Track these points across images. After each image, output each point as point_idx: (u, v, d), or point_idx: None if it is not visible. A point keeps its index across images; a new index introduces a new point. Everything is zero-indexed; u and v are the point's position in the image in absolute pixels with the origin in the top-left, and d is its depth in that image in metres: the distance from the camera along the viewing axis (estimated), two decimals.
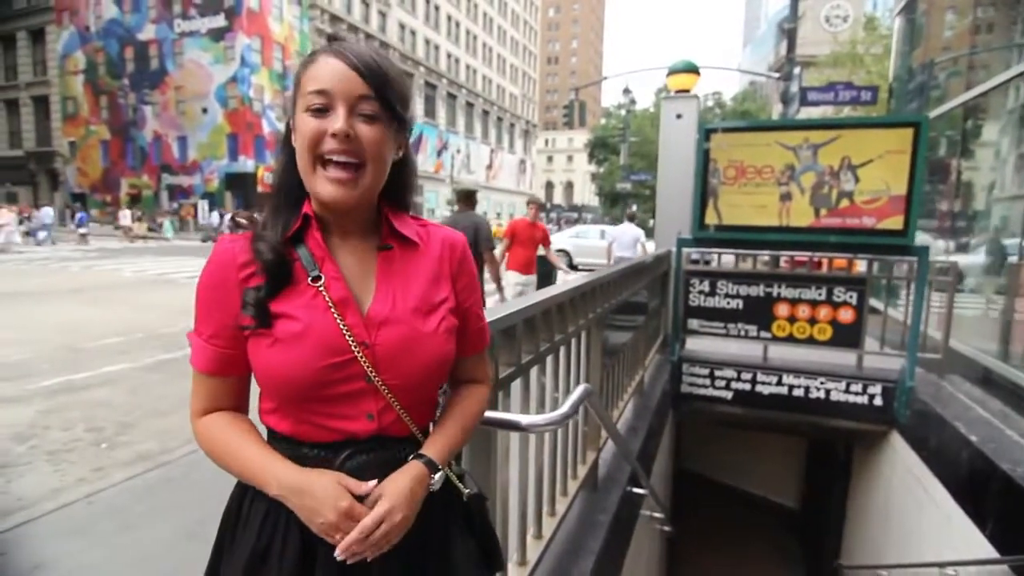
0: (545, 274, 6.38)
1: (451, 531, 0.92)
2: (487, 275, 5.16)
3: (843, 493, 5.53)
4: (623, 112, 31.15)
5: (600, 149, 45.97)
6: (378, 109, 0.81)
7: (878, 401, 4.27)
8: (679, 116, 5.94)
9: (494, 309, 1.45)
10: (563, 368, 2.03)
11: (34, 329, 7.13)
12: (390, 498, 0.79)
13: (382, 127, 0.82)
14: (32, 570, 2.43)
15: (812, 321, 4.35)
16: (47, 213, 21.35)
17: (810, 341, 4.38)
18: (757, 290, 4.52)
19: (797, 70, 11.64)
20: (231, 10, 27.68)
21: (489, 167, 52.30)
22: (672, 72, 6.72)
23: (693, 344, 5.01)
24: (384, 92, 0.81)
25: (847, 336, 4.26)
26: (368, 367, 0.81)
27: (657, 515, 3.61)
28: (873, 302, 4.71)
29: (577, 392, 1.57)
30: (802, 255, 4.59)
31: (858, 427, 4.45)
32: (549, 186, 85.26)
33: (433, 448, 0.88)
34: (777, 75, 13.42)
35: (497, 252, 5.42)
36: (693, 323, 4.76)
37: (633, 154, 32.38)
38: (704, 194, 4.61)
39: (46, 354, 5.96)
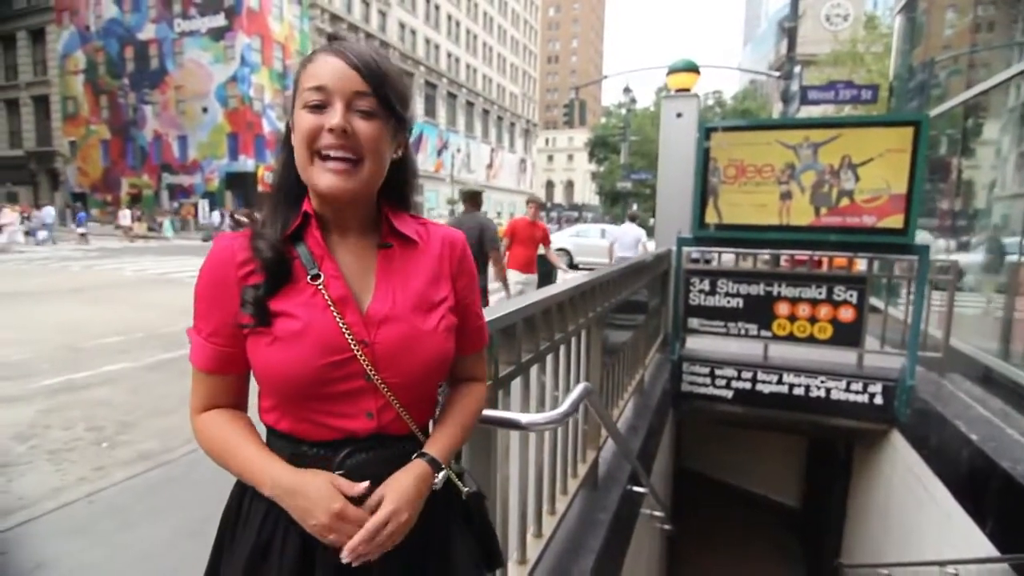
0: (545, 273, 6.38)
1: (451, 529, 0.93)
2: (491, 275, 5.17)
3: (843, 492, 5.53)
4: (623, 111, 31.10)
5: (600, 148, 45.92)
6: (375, 106, 0.81)
7: (878, 400, 4.27)
8: (679, 115, 5.93)
9: (494, 308, 1.45)
10: (563, 367, 2.03)
11: (35, 329, 7.13)
12: (395, 498, 0.79)
13: (380, 124, 0.82)
14: (33, 569, 2.43)
15: (812, 320, 4.35)
16: (48, 213, 21.38)
17: (810, 340, 4.38)
18: (757, 289, 4.52)
19: (797, 69, 11.61)
20: (231, 9, 27.67)
21: (489, 166, 52.29)
22: (672, 71, 6.71)
23: (693, 343, 5.02)
24: (382, 89, 0.82)
25: (847, 335, 4.26)
26: (367, 365, 0.82)
27: (657, 514, 3.61)
28: (873, 301, 4.71)
29: (577, 391, 1.57)
30: (802, 254, 4.59)
31: (858, 426, 4.45)
32: (549, 185, 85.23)
33: (435, 447, 0.88)
34: (777, 74, 13.40)
35: None
36: (693, 322, 4.76)
37: (633, 153, 32.35)
38: (704, 193, 4.61)
39: (47, 354, 5.97)
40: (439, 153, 42.92)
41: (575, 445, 2.26)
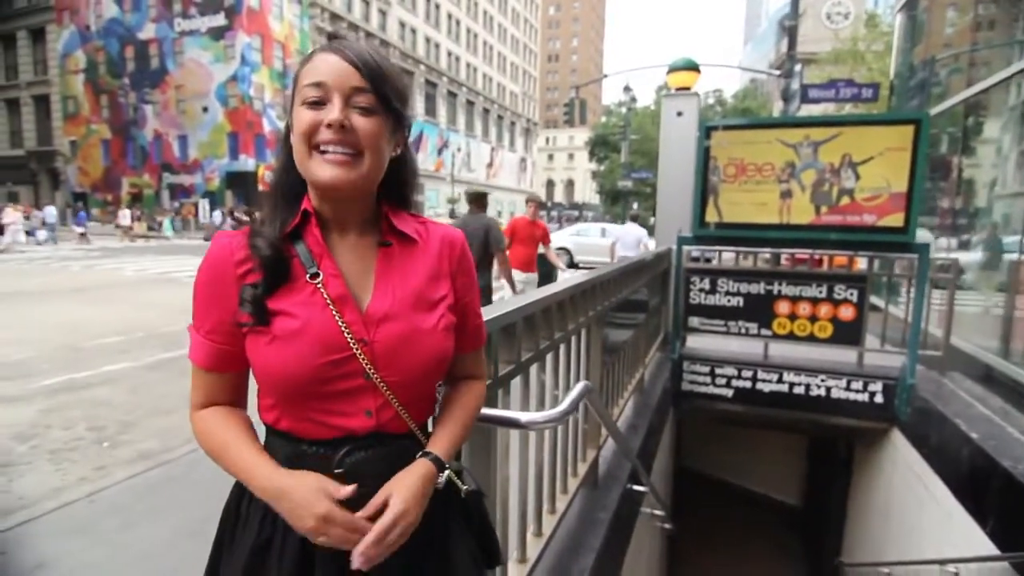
0: (546, 273, 6.38)
1: (450, 527, 0.93)
2: (495, 275, 5.17)
3: (844, 490, 5.53)
4: (624, 110, 31.06)
5: (601, 147, 45.90)
6: (374, 102, 0.81)
7: (879, 398, 4.27)
8: (680, 114, 5.93)
9: (494, 307, 1.45)
10: (563, 366, 2.03)
11: (35, 328, 7.14)
12: (402, 498, 0.80)
13: (378, 120, 0.82)
14: (34, 569, 2.43)
15: (813, 319, 4.35)
16: (50, 212, 21.41)
17: (811, 339, 4.38)
18: (758, 288, 4.52)
19: (798, 67, 11.60)
20: (231, 9, 27.67)
21: (490, 165, 52.27)
22: (672, 70, 6.70)
23: (694, 342, 5.02)
24: (380, 86, 0.81)
25: (848, 334, 4.26)
26: (366, 364, 0.82)
27: (658, 513, 3.61)
28: (874, 299, 4.71)
29: (576, 389, 1.57)
30: (803, 252, 4.59)
31: (859, 424, 4.45)
32: (550, 184, 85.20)
33: (438, 446, 0.89)
34: (778, 72, 13.39)
35: None
36: (694, 321, 4.76)
37: (634, 152, 32.34)
38: (704, 192, 4.61)
39: (47, 353, 5.97)
40: (439, 152, 42.91)
41: (575, 444, 2.26)
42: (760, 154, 4.40)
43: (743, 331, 4.59)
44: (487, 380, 1.33)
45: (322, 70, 0.80)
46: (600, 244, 15.44)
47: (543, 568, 1.86)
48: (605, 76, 52.56)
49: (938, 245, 6.05)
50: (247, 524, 0.85)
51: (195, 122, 29.14)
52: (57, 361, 5.70)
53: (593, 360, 2.46)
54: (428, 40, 42.68)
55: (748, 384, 4.64)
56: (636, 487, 2.81)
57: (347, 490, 0.78)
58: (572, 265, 15.62)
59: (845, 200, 4.19)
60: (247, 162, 27.98)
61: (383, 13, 37.61)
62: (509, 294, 5.61)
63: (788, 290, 4.42)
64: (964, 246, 5.72)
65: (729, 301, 4.62)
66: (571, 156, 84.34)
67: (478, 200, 5.22)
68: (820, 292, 4.31)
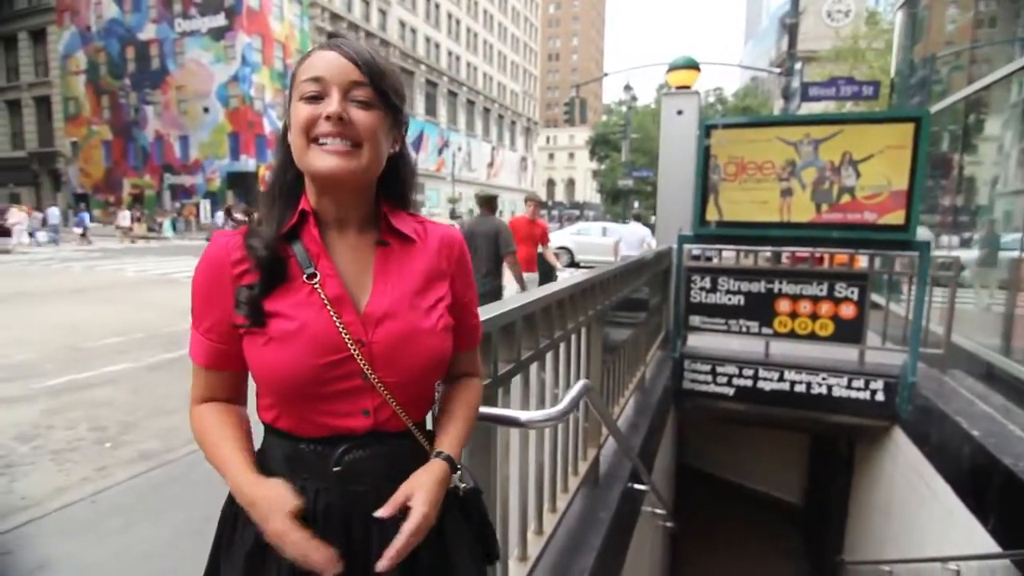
0: (546, 272, 6.38)
1: (449, 525, 0.93)
2: (506, 276, 5.18)
3: (845, 489, 5.53)
4: (624, 109, 31.06)
5: (601, 146, 45.88)
6: (372, 96, 0.81)
7: (880, 396, 4.26)
8: (680, 112, 5.93)
9: (493, 306, 1.45)
10: (563, 365, 2.03)
11: (37, 329, 7.15)
12: (424, 500, 0.80)
13: (377, 114, 0.82)
14: (36, 569, 2.44)
15: (814, 317, 4.35)
16: (52, 213, 21.46)
17: (812, 337, 4.38)
18: (758, 286, 4.51)
19: (798, 65, 11.59)
20: (231, 9, 27.70)
21: (490, 165, 52.27)
22: (673, 68, 6.69)
23: (695, 340, 5.01)
24: (378, 81, 0.82)
25: (849, 332, 4.26)
26: (364, 365, 0.81)
27: (659, 511, 3.61)
28: (875, 297, 4.71)
29: (576, 388, 1.57)
30: (803, 251, 4.58)
31: (860, 423, 4.45)
32: (551, 183, 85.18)
33: (449, 445, 0.89)
34: (778, 71, 13.38)
35: None
36: (695, 319, 4.76)
37: (634, 151, 32.31)
38: (705, 190, 4.60)
39: (49, 354, 5.99)
40: (440, 152, 42.91)
41: (576, 443, 2.26)
42: (760, 152, 4.40)
43: (744, 330, 4.59)
44: (487, 379, 1.34)
45: (320, 66, 0.80)
46: (601, 243, 15.45)
47: (544, 567, 1.87)
48: (605, 75, 52.50)
49: (939, 243, 6.05)
50: (246, 524, 0.84)
51: (196, 122, 29.18)
52: (59, 362, 5.72)
53: (593, 359, 2.46)
54: (428, 40, 42.68)
55: (749, 382, 4.64)
56: (637, 486, 2.82)
57: (296, 503, 0.77)
58: (573, 264, 15.63)
59: (846, 198, 4.18)
60: (248, 162, 28.02)
61: (383, 13, 37.62)
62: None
63: (789, 288, 4.41)
64: (965, 244, 5.72)
65: (730, 300, 4.61)
66: (572, 155, 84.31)
67: (488, 203, 5.24)
68: (821, 290, 4.31)
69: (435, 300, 0.89)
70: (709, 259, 5.25)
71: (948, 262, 4.66)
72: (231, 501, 0.88)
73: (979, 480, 2.99)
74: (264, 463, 0.86)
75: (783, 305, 4.44)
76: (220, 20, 27.99)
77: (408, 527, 0.78)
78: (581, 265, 14.98)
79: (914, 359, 4.07)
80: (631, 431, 3.26)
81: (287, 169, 0.86)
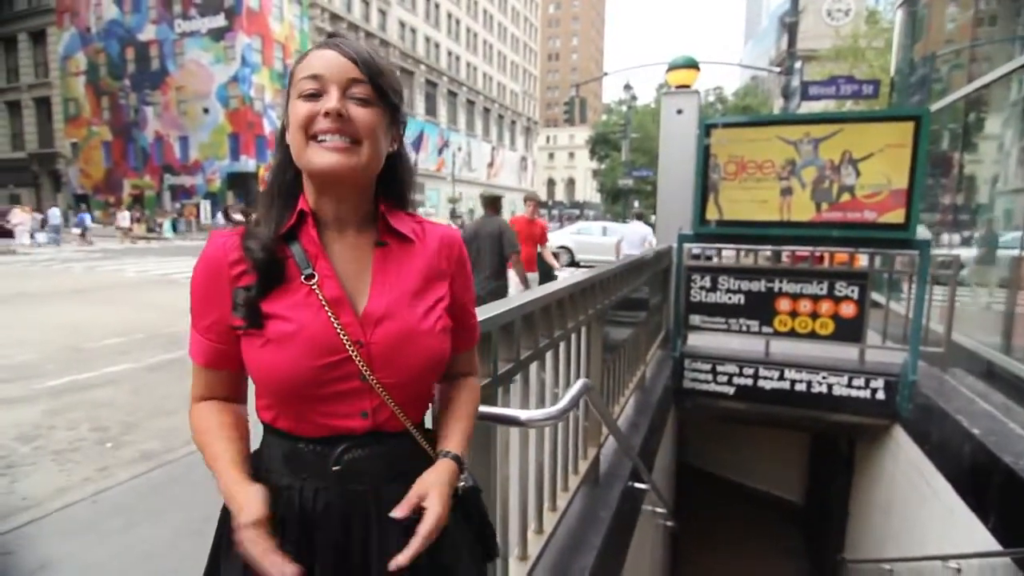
0: (546, 271, 6.38)
1: (451, 523, 0.93)
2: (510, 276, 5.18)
3: (846, 487, 5.53)
4: (624, 108, 31.07)
5: (601, 145, 45.91)
6: (371, 93, 0.81)
7: (880, 395, 4.26)
8: (679, 112, 5.92)
9: (493, 305, 1.45)
10: (563, 364, 2.03)
11: (38, 330, 7.16)
12: (439, 501, 0.82)
13: (375, 111, 0.82)
14: (38, 569, 2.45)
15: (814, 316, 4.35)
16: (54, 214, 21.49)
17: (812, 336, 4.38)
18: (759, 285, 4.51)
19: (798, 64, 11.60)
20: (231, 10, 27.70)
21: (490, 165, 52.25)
22: (672, 68, 6.69)
23: (695, 340, 5.01)
24: (377, 78, 0.82)
25: (849, 330, 4.26)
26: (363, 366, 0.81)
27: (660, 510, 3.61)
28: (875, 296, 4.70)
29: (575, 387, 1.58)
30: (803, 250, 4.58)
31: (861, 421, 4.45)
32: (551, 183, 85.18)
33: (456, 445, 0.90)
34: (778, 70, 13.37)
35: None
36: (695, 319, 4.76)
37: (634, 150, 32.31)
38: (705, 189, 4.60)
39: (50, 355, 5.99)
40: (440, 152, 42.90)
41: (576, 442, 2.26)
42: (760, 151, 4.40)
43: (744, 328, 4.59)
44: (487, 378, 1.34)
45: (318, 64, 0.80)
46: (601, 243, 15.46)
47: (544, 566, 1.87)
48: (605, 74, 52.51)
49: (939, 241, 6.04)
50: None
51: (196, 123, 29.18)
52: (60, 362, 5.72)
53: (594, 358, 2.46)
54: (428, 40, 42.67)
55: (749, 381, 4.64)
56: (638, 485, 2.82)
57: (251, 518, 0.76)
58: (574, 264, 15.64)
59: (846, 197, 4.18)
60: (248, 163, 28.02)
61: (383, 13, 37.62)
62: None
63: (789, 287, 4.42)
64: (966, 243, 5.72)
65: (730, 299, 4.62)
66: (572, 155, 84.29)
67: (492, 203, 5.25)
68: (821, 289, 4.31)
69: (434, 301, 0.89)
70: (709, 258, 5.25)
71: (948, 260, 4.66)
72: None
73: (979, 478, 2.99)
74: (263, 462, 0.87)
75: (783, 304, 4.44)
76: (220, 21, 27.98)
77: (425, 528, 0.79)
78: (581, 264, 14.98)
79: (914, 358, 4.06)
80: (631, 430, 3.26)
81: (286, 169, 0.86)
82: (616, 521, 2.33)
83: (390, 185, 0.92)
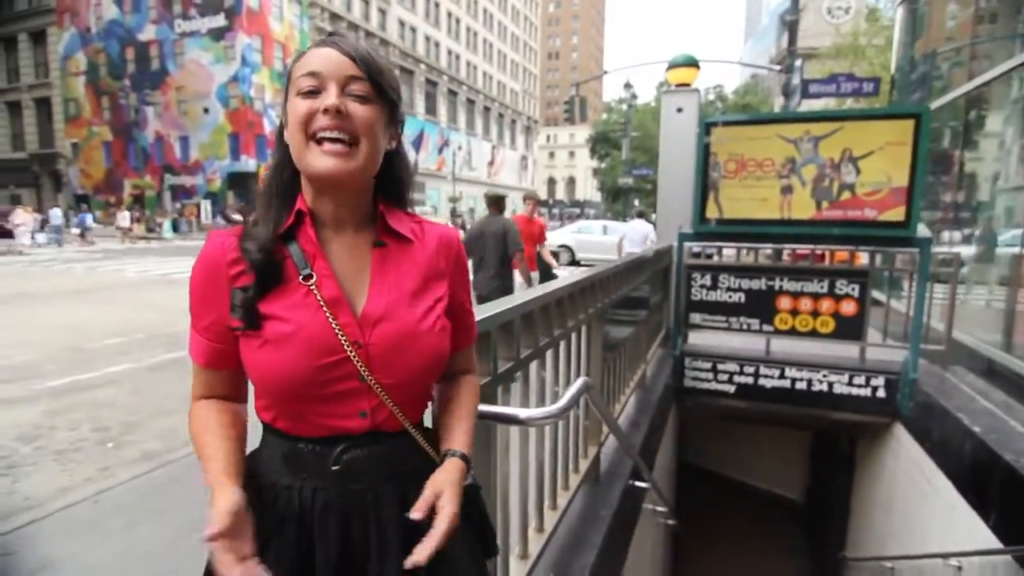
0: (546, 270, 6.38)
1: None
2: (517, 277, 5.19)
3: (847, 485, 5.53)
4: (624, 107, 31.05)
5: (602, 144, 45.88)
6: (369, 90, 0.81)
7: (881, 393, 4.26)
8: (679, 110, 5.92)
9: (492, 304, 1.45)
10: (563, 363, 2.03)
11: (39, 330, 7.17)
12: (451, 501, 0.82)
13: (374, 108, 0.82)
14: (39, 569, 2.45)
15: (815, 314, 4.35)
16: (54, 214, 21.51)
17: (813, 334, 4.38)
18: (759, 283, 4.51)
19: (798, 62, 11.59)
20: (231, 10, 27.69)
21: (491, 164, 52.23)
22: (672, 66, 6.68)
23: (695, 338, 5.01)
24: (375, 75, 0.82)
25: (850, 329, 4.26)
26: (361, 367, 0.81)
27: (660, 509, 3.61)
28: (875, 294, 4.70)
29: (575, 385, 1.58)
30: (804, 248, 4.58)
31: (861, 419, 4.44)
32: (551, 182, 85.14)
33: (462, 443, 0.91)
34: (778, 68, 13.36)
35: None
36: (695, 317, 4.76)
37: (635, 149, 32.27)
38: (705, 188, 4.60)
39: (51, 355, 5.99)
40: (440, 151, 42.88)
41: (576, 440, 2.26)
42: (760, 150, 4.40)
43: (745, 327, 4.59)
44: (487, 377, 1.34)
45: (317, 61, 0.80)
46: (601, 241, 15.46)
47: (545, 564, 1.87)
48: (605, 73, 52.43)
49: (940, 239, 6.04)
50: None
51: (196, 123, 29.18)
52: (61, 363, 5.73)
53: (594, 357, 2.46)
54: (428, 39, 42.64)
55: (750, 380, 4.64)
56: (638, 483, 2.82)
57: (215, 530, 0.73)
58: (574, 262, 15.64)
59: (846, 195, 4.18)
60: (248, 163, 28.02)
61: (383, 12, 37.60)
62: None
63: (789, 286, 4.41)
64: (966, 240, 5.71)
65: (731, 297, 4.61)
66: (572, 153, 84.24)
67: (496, 203, 5.26)
68: (822, 287, 4.31)
69: (433, 301, 0.89)
70: (710, 257, 5.25)
71: (949, 258, 4.65)
72: None
73: (980, 476, 2.99)
74: (263, 462, 0.87)
75: (784, 302, 4.44)
76: (220, 21, 27.98)
77: (441, 528, 0.79)
78: (582, 263, 14.98)
79: (915, 355, 4.06)
80: (632, 429, 3.26)
81: (284, 168, 0.86)
82: (617, 519, 2.34)
83: (389, 184, 0.91)
